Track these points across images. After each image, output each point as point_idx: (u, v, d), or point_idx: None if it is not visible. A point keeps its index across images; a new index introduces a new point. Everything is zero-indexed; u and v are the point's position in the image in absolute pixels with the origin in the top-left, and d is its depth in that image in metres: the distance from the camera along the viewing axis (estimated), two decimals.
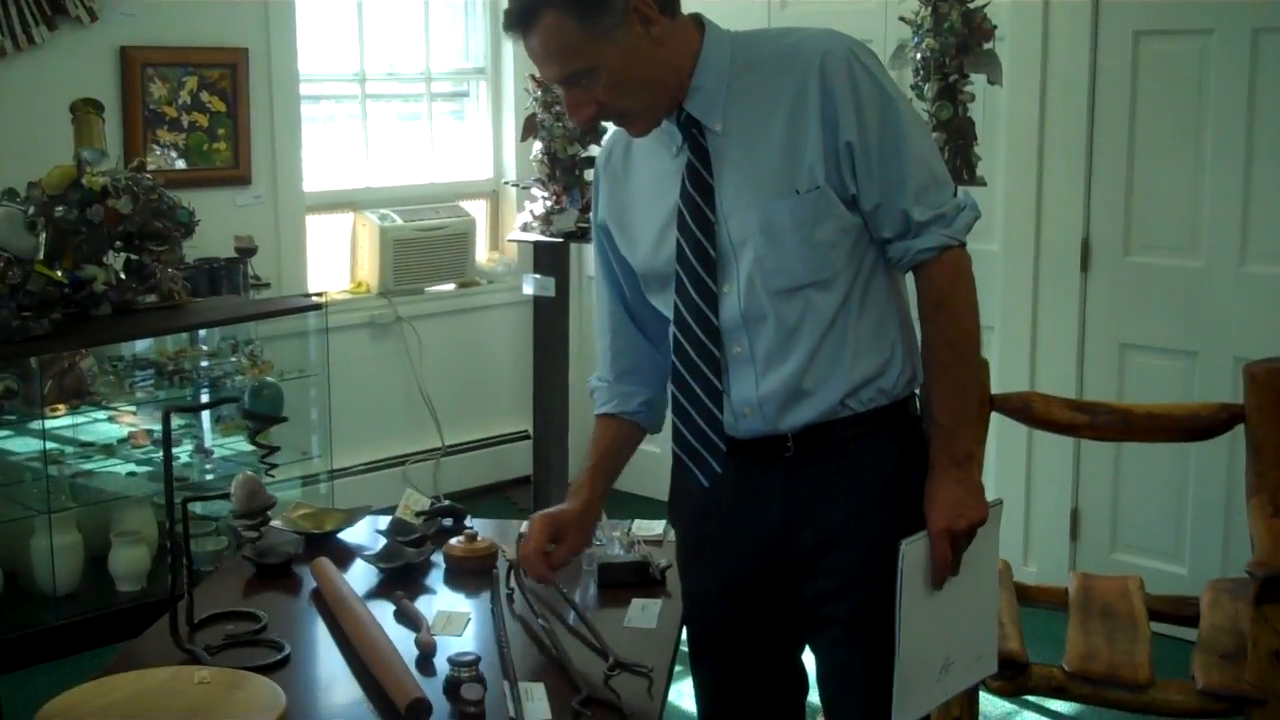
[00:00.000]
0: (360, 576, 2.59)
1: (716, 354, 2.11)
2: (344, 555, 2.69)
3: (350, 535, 2.84)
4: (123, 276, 4.20)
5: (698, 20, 2.12)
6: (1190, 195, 4.13)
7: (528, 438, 5.73)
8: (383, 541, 2.70)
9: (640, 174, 2.20)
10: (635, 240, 2.21)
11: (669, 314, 2.18)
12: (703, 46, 2.09)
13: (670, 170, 2.13)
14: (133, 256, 4.23)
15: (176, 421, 4.68)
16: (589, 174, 4.92)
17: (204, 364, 4.72)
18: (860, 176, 2.05)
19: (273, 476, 3.24)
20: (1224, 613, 3.17)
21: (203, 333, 4.72)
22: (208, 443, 4.84)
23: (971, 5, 4.12)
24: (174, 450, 4.58)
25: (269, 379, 4.65)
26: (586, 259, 5.74)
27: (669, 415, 2.27)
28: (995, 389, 3.51)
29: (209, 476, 4.72)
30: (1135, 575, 3.50)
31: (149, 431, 4.65)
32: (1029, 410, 3.40)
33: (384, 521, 2.79)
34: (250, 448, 4.82)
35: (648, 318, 2.30)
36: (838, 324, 2.09)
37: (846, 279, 2.09)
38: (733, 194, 2.07)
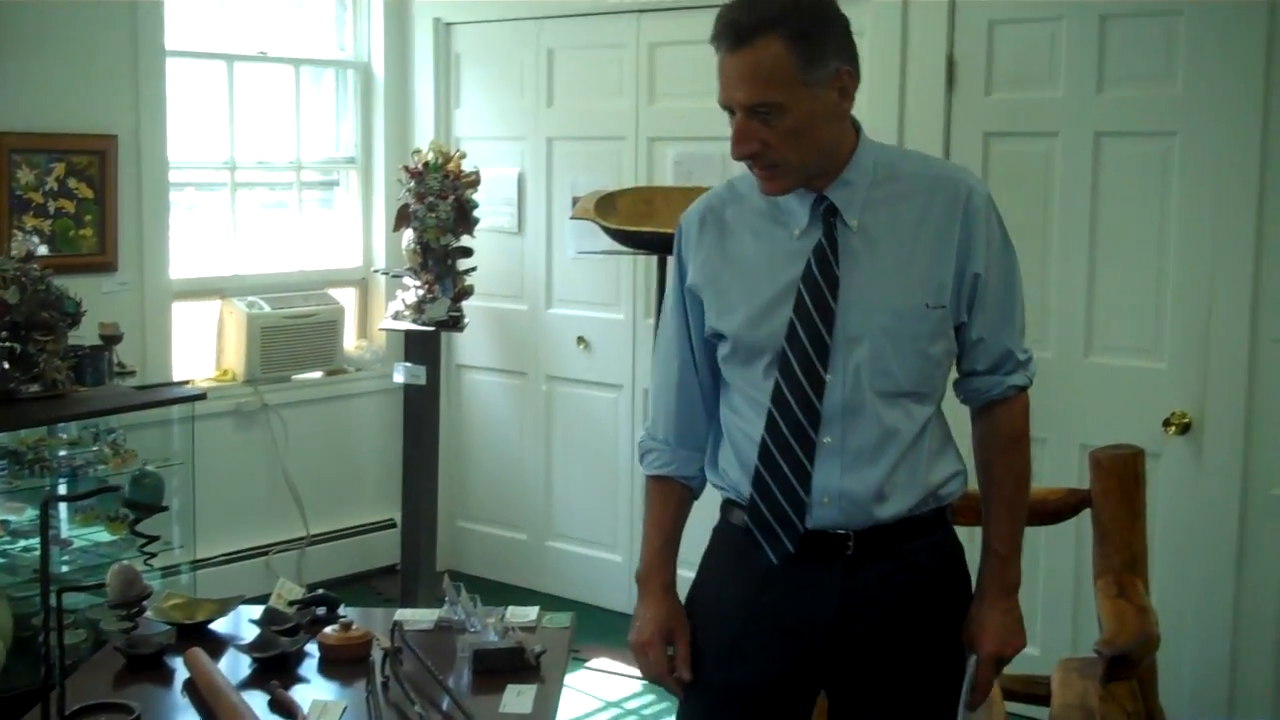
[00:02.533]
0: (234, 666, 2.59)
1: (813, 438, 2.14)
2: (217, 645, 2.69)
3: (223, 625, 2.83)
4: (6, 366, 4.16)
5: (854, 121, 2.21)
6: (1039, 289, 4.31)
7: (394, 526, 5.71)
8: (256, 631, 2.70)
9: (741, 244, 2.23)
10: (732, 308, 2.22)
11: (749, 387, 2.21)
12: (858, 145, 2.19)
13: (787, 250, 2.18)
14: (17, 346, 4.19)
15: (30, 513, 4.59)
16: (461, 263, 4.98)
17: (63, 453, 4.63)
18: (975, 309, 2.20)
19: (151, 566, 3.21)
20: (1074, 690, 3.28)
21: None
22: (64, 533, 4.74)
23: None
24: (29, 542, 4.51)
25: (150, 468, 4.60)
26: (458, 348, 5.78)
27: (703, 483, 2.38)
28: None
29: (65, 569, 4.62)
30: None
31: (4, 522, 4.54)
32: None
33: (257, 611, 2.79)
34: (109, 538, 4.73)
35: (709, 385, 2.33)
36: (922, 436, 2.20)
37: (936, 396, 2.23)
38: (857, 290, 2.14)
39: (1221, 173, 3.93)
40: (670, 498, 2.35)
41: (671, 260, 2.33)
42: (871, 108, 4.53)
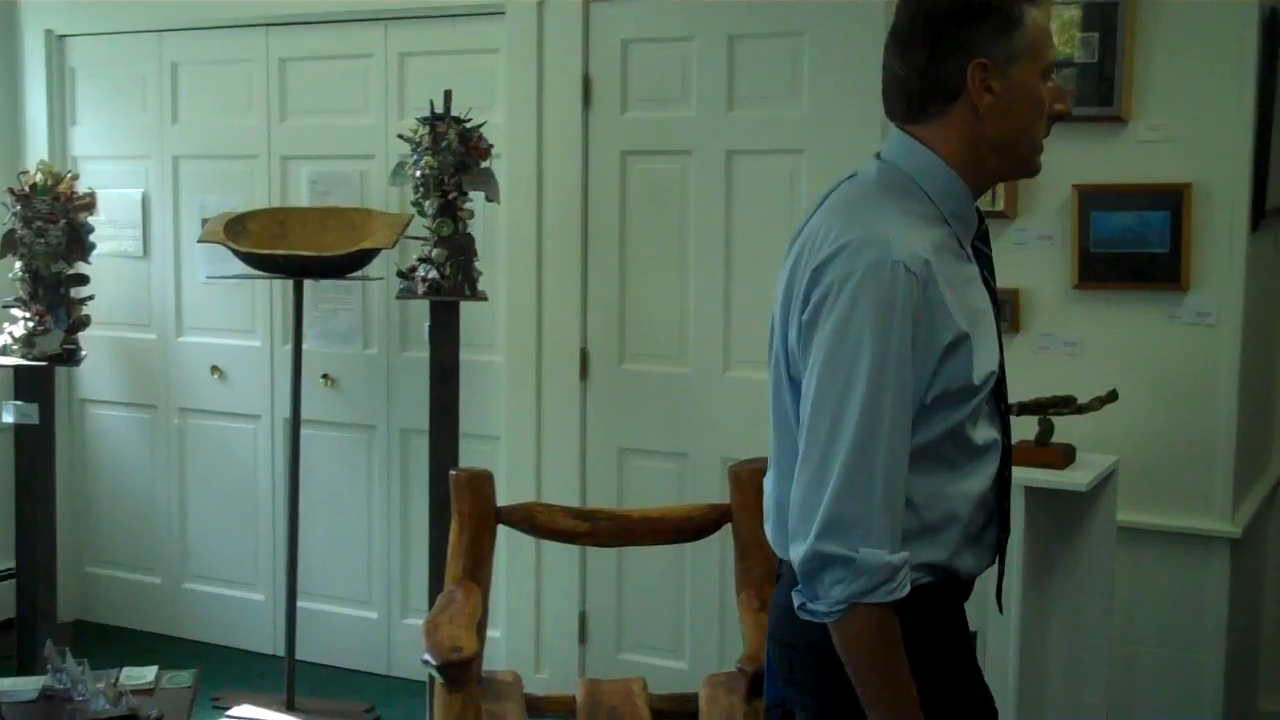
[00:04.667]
0: None
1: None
2: None
3: None
4: None
5: None
6: (677, 305, 4.36)
7: (12, 577, 5.28)
8: None
9: (957, 277, 1.91)
10: (989, 347, 1.91)
11: (974, 436, 1.91)
12: None
13: (973, 273, 1.96)
14: None
15: None
16: (76, 292, 4.66)
17: None
18: None
19: None
20: (720, 707, 3.30)
21: None
22: None
23: (468, 125, 4.23)
24: None
25: None
26: (80, 381, 5.41)
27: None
28: (502, 500, 3.56)
29: None
30: (639, 677, 3.60)
31: None
32: (533, 520, 3.47)
33: None
34: None
35: None
36: None
37: None
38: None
39: None
40: (898, 623, 1.83)
41: (896, 314, 1.79)
42: (511, 126, 4.49)
